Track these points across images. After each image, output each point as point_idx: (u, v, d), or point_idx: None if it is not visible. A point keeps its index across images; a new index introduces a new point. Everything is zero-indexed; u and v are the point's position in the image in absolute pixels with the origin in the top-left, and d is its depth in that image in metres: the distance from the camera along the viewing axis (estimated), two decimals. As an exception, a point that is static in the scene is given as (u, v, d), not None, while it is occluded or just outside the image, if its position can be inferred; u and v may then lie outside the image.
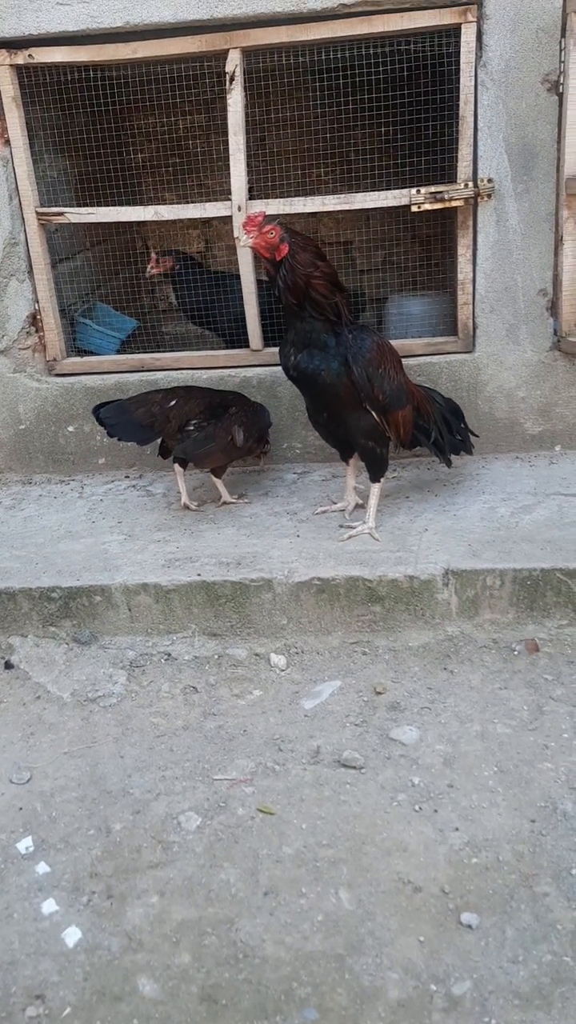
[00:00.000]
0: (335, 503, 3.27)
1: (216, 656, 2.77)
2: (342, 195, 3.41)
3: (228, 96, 3.28)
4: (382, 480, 3.04)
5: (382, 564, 2.80)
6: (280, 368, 2.96)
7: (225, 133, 3.36)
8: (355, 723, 2.44)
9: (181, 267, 4.01)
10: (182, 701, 2.60)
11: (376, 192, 3.37)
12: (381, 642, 2.77)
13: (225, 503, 3.36)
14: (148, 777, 2.31)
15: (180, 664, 2.75)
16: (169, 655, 2.79)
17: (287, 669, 2.70)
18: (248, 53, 3.26)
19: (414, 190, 3.30)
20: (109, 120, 3.94)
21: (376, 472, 3.02)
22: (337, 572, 2.78)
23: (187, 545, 3.06)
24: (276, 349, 3.02)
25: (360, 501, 3.21)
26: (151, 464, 3.74)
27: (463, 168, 3.28)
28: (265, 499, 3.41)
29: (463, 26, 3.12)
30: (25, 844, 2.13)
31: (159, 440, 3.23)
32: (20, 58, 3.28)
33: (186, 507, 3.33)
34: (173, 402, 3.16)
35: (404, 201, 3.32)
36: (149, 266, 3.99)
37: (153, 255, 4.02)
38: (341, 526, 3.10)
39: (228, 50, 3.21)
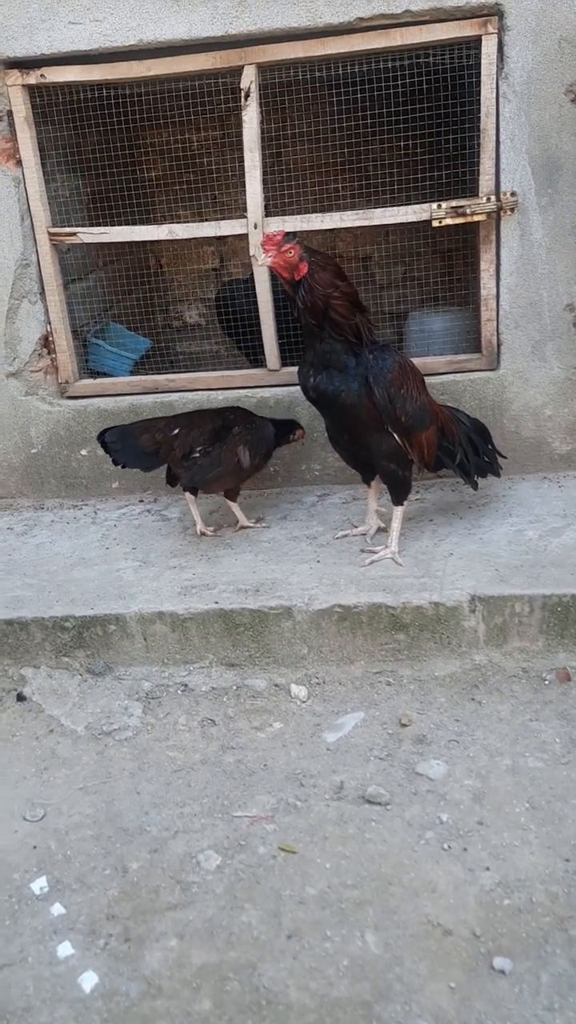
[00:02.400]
0: (356, 527, 3.28)
1: (234, 687, 2.78)
2: (361, 211, 3.46)
3: (243, 112, 3.34)
4: (405, 503, 3.06)
5: (406, 590, 2.81)
6: (298, 388, 2.98)
7: (240, 149, 3.41)
8: (380, 757, 2.43)
9: (229, 293, 4.07)
10: (200, 734, 2.60)
11: (395, 207, 3.40)
12: (406, 672, 2.76)
13: (242, 527, 3.38)
14: (165, 814, 2.31)
15: (197, 695, 2.76)
16: (186, 686, 2.80)
17: (308, 700, 2.71)
18: (263, 69, 3.32)
19: (435, 204, 3.34)
20: (122, 138, 4.01)
21: (399, 495, 3.03)
22: (359, 599, 2.79)
23: (204, 571, 3.07)
24: (294, 368, 3.05)
25: (382, 525, 3.22)
26: (166, 488, 3.76)
27: (485, 182, 3.31)
28: (284, 523, 3.42)
29: (484, 38, 3.17)
30: (40, 884, 2.13)
31: (166, 467, 3.26)
32: (32, 78, 3.36)
33: (202, 534, 3.35)
34: (176, 431, 3.17)
35: (424, 216, 3.35)
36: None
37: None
38: (363, 551, 3.11)
39: (243, 66, 3.27)
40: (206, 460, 3.13)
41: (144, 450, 3.16)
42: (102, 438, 3.23)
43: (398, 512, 3.04)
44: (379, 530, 3.22)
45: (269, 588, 2.91)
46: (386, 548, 3.04)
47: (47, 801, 2.40)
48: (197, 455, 3.14)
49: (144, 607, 2.88)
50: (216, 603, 2.85)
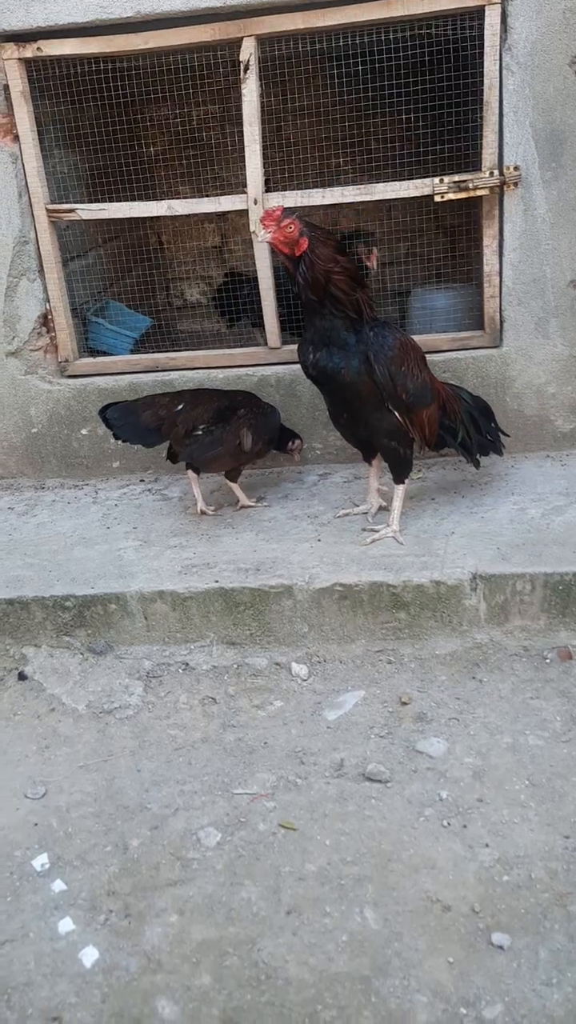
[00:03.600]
0: (357, 506, 3.27)
1: (235, 665, 2.78)
2: (362, 185, 3.42)
3: (243, 86, 3.29)
4: (406, 482, 3.04)
5: (407, 569, 2.80)
6: (299, 366, 2.96)
7: (240, 123, 3.37)
8: (380, 735, 2.44)
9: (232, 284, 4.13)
10: (200, 712, 2.61)
11: (398, 182, 3.37)
12: (406, 650, 2.76)
13: (243, 507, 3.38)
14: (166, 791, 2.32)
15: (198, 674, 2.77)
16: (187, 665, 2.81)
17: (309, 679, 2.71)
18: (263, 41, 3.28)
19: (437, 179, 3.30)
20: (120, 113, 3.97)
21: (400, 473, 3.02)
22: (360, 577, 2.79)
23: (204, 551, 3.07)
24: (295, 346, 3.03)
25: (384, 503, 3.21)
26: (167, 467, 3.76)
27: (488, 156, 3.27)
28: (284, 502, 3.41)
29: (487, 8, 3.12)
30: (41, 861, 2.15)
31: (168, 444, 3.26)
32: (29, 51, 3.32)
33: (202, 513, 3.35)
34: (180, 406, 3.18)
35: (427, 191, 3.32)
36: (368, 262, 4.04)
37: (363, 247, 4.06)
38: (364, 529, 3.10)
39: (242, 38, 3.23)
40: (207, 439, 3.12)
41: (147, 426, 3.16)
42: (104, 414, 3.23)
43: (399, 491, 3.03)
44: (380, 509, 3.21)
45: (270, 567, 2.90)
46: (387, 527, 3.03)
47: (48, 779, 2.41)
48: (200, 433, 3.13)
49: (145, 586, 2.88)
50: (216, 582, 2.85)
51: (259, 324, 3.97)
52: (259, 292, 3.56)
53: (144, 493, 3.64)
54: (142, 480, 3.76)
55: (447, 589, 2.74)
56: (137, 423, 3.17)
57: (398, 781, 2.27)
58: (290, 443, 3.39)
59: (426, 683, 2.62)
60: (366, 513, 3.21)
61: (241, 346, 3.80)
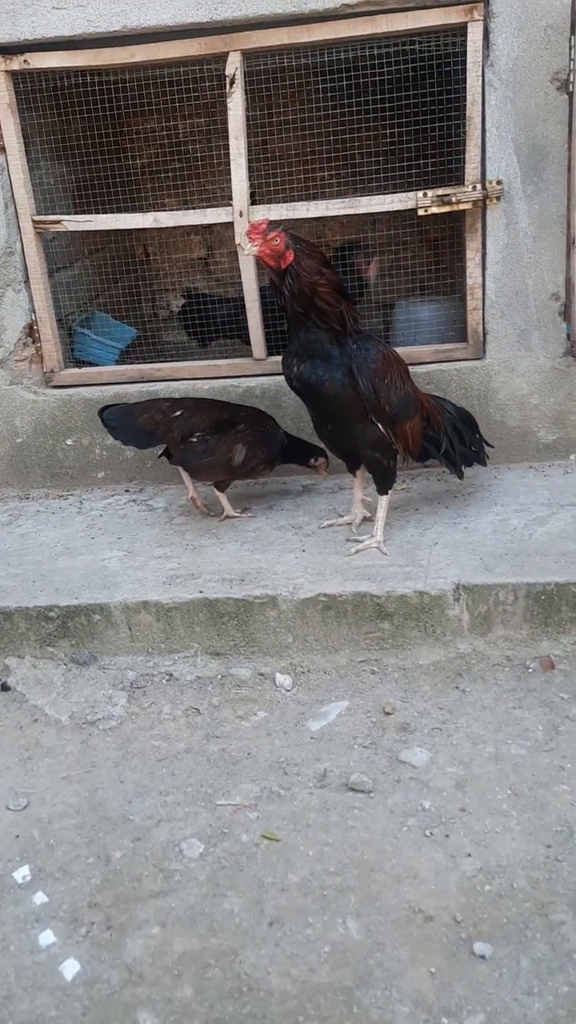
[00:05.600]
0: (342, 516, 3.28)
1: (219, 676, 2.78)
2: (347, 199, 3.45)
3: (228, 100, 3.32)
4: (390, 492, 3.06)
5: (390, 579, 2.81)
6: (283, 378, 2.98)
7: (226, 136, 3.40)
8: (363, 745, 2.44)
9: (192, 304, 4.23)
10: (184, 723, 2.61)
11: (381, 195, 3.39)
12: (390, 660, 2.77)
13: (228, 517, 3.38)
14: (149, 803, 2.31)
15: (182, 685, 2.76)
16: (171, 675, 2.80)
17: (293, 689, 2.71)
18: (248, 55, 3.30)
19: (421, 193, 3.33)
20: (107, 125, 3.98)
21: (384, 484, 3.03)
22: (344, 588, 2.80)
23: (189, 561, 3.07)
24: (280, 358, 3.04)
25: (368, 514, 3.22)
26: (152, 477, 3.77)
27: (471, 170, 3.30)
28: (270, 513, 3.42)
29: (469, 25, 3.15)
30: (22, 873, 2.14)
31: (163, 447, 3.31)
32: (15, 64, 3.33)
33: (192, 500, 3.36)
34: (179, 412, 3.23)
35: (410, 204, 3.34)
36: (367, 273, 4.07)
37: (363, 259, 4.10)
38: (348, 540, 3.11)
39: (228, 53, 3.25)
40: (201, 447, 3.17)
41: (143, 429, 3.22)
42: (102, 415, 3.29)
43: (383, 501, 3.05)
44: (364, 519, 3.22)
45: (254, 577, 2.91)
46: (371, 537, 3.04)
47: (30, 790, 2.40)
48: (195, 440, 3.18)
49: (129, 597, 2.87)
50: (201, 592, 2.85)
51: (235, 337, 4.02)
52: (223, 310, 3.60)
53: (129, 503, 3.64)
54: (127, 490, 3.76)
55: (430, 599, 2.75)
56: (134, 425, 3.23)
57: (381, 791, 2.27)
58: (312, 459, 3.41)
59: (409, 693, 2.63)
60: (350, 524, 3.22)
61: (226, 357, 3.81)
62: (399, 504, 3.34)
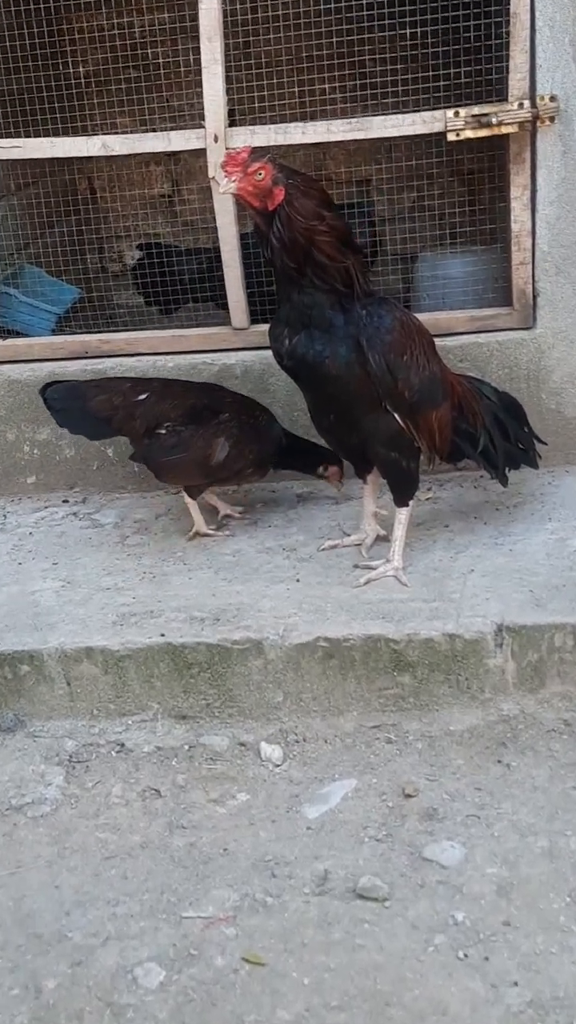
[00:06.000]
0: (348, 535, 3.29)
1: (186, 746, 2.78)
2: (355, 119, 3.49)
3: (200, -9, 3.34)
4: (411, 503, 3.06)
5: (412, 618, 2.82)
6: (271, 353, 2.98)
7: (196, 37, 3.42)
8: (376, 838, 2.43)
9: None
10: (140, 809, 2.60)
11: (400, 114, 3.43)
12: (412, 725, 2.77)
13: (199, 535, 3.39)
14: (93, 915, 2.30)
15: (137, 758, 2.76)
16: (122, 745, 2.80)
17: (283, 764, 2.71)
18: None
19: (451, 112, 3.36)
20: (40, 22, 4.00)
21: (403, 493, 3.04)
22: (351, 630, 2.79)
23: (147, 594, 3.07)
24: (267, 327, 3.05)
25: (382, 532, 3.23)
26: (98, 483, 3.77)
27: (516, 82, 3.33)
28: (254, 530, 3.42)
29: None
30: None
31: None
32: None
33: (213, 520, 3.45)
34: (144, 396, 3.26)
35: (438, 127, 3.37)
36: None
37: None
38: (356, 566, 3.12)
39: None
40: (170, 440, 3.21)
41: (96, 414, 3.26)
42: (44, 393, 3.33)
43: (402, 516, 3.05)
44: (378, 539, 3.23)
45: (233, 616, 2.91)
46: (387, 563, 3.05)
47: None
48: (163, 432, 3.22)
49: (68, 641, 2.87)
50: (163, 635, 2.85)
51: (208, 300, 4.03)
52: (194, 264, 3.62)
53: (68, 518, 3.64)
54: (66, 501, 3.76)
55: (464, 645, 2.75)
56: (85, 408, 3.27)
57: (400, 899, 2.27)
58: (321, 468, 3.42)
59: (437, 769, 2.63)
60: (359, 545, 3.22)
61: (197, 326, 3.83)
62: (423, 519, 3.34)
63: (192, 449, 3.21)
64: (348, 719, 2.81)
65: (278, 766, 2.70)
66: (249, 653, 2.81)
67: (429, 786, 2.57)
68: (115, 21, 4.61)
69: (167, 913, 2.29)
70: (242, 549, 3.31)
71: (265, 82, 4.03)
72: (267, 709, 2.83)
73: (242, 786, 2.64)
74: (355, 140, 3.53)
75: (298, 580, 3.08)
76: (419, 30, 3.88)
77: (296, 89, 4.27)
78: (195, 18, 3.41)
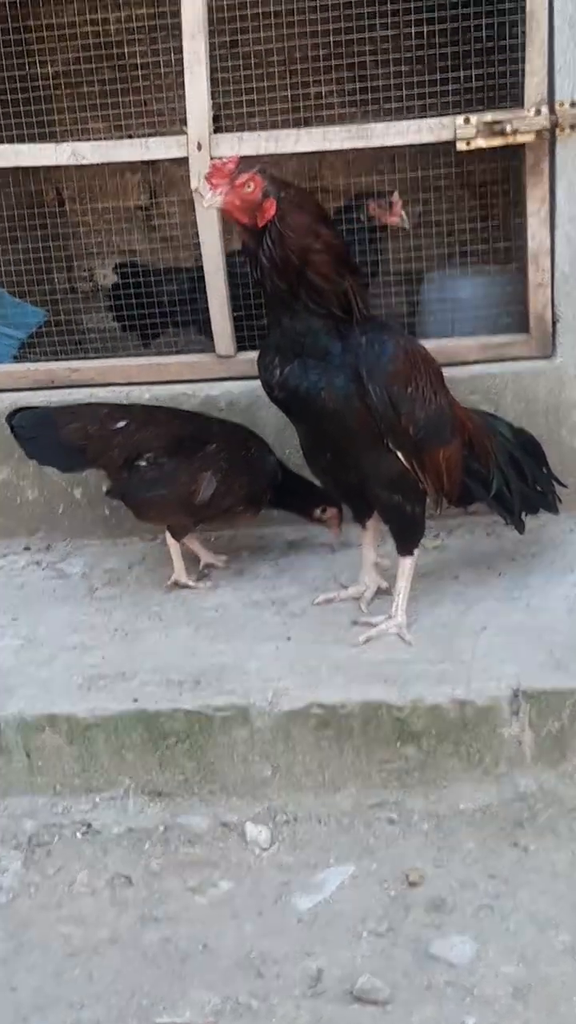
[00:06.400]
0: (346, 587, 3.30)
1: (161, 827, 2.76)
2: (354, 125, 3.53)
3: (182, -18, 3.40)
4: (416, 552, 3.07)
5: (417, 681, 2.82)
6: (259, 383, 3.00)
7: (178, 34, 3.47)
8: (376, 932, 2.42)
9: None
10: (108, 899, 2.58)
11: (405, 121, 3.48)
12: (417, 803, 2.76)
13: (177, 584, 3.40)
14: (54, 1020, 2.28)
15: (105, 840, 2.74)
16: (88, 826, 2.78)
17: (272, 847, 2.69)
18: None
19: (461, 118, 3.40)
20: (3, 19, 4.06)
21: (407, 541, 3.05)
22: (349, 694, 2.79)
23: (118, 654, 3.07)
24: (255, 355, 3.07)
25: (384, 584, 3.24)
26: (64, 529, 3.78)
27: (533, 87, 3.39)
28: (239, 581, 3.44)
29: None
30: None
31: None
32: None
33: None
34: (122, 423, 3.29)
35: (446, 135, 3.42)
36: (388, 218, 4.11)
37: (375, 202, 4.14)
38: (355, 622, 3.13)
39: None
40: (151, 473, 3.24)
41: (68, 443, 3.29)
42: (11, 420, 3.35)
43: (406, 566, 3.06)
44: (379, 592, 3.24)
45: (215, 678, 2.91)
46: (389, 618, 3.05)
47: None
48: (143, 464, 3.25)
49: (28, 707, 2.86)
50: (135, 701, 2.84)
51: (188, 325, 4.06)
52: (175, 286, 3.65)
53: (30, 567, 3.65)
54: (28, 548, 3.77)
55: (476, 712, 2.75)
56: (55, 437, 3.29)
57: (403, 1002, 2.25)
58: (317, 511, 3.44)
59: (445, 853, 2.62)
60: (358, 598, 3.23)
61: (177, 353, 3.86)
62: (430, 569, 3.36)
63: (175, 484, 3.23)
64: (345, 796, 2.80)
65: (265, 850, 2.68)
66: (233, 721, 2.80)
67: (436, 873, 2.56)
68: (87, 16, 4.68)
69: (139, 1019, 2.27)
70: (226, 603, 3.31)
71: (255, 84, 4.07)
72: (253, 785, 2.82)
73: (224, 873, 2.63)
74: (355, 149, 3.56)
75: (289, 638, 3.08)
76: (425, 28, 3.94)
77: (289, 92, 4.32)
78: (177, 13, 3.47)
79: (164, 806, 2.82)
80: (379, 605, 3.19)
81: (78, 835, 2.76)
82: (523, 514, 3.24)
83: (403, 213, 4.03)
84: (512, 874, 2.54)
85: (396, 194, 4.01)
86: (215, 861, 2.66)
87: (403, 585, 3.06)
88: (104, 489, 3.44)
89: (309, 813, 2.77)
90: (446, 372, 3.09)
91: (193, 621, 3.23)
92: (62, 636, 3.20)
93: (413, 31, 4.06)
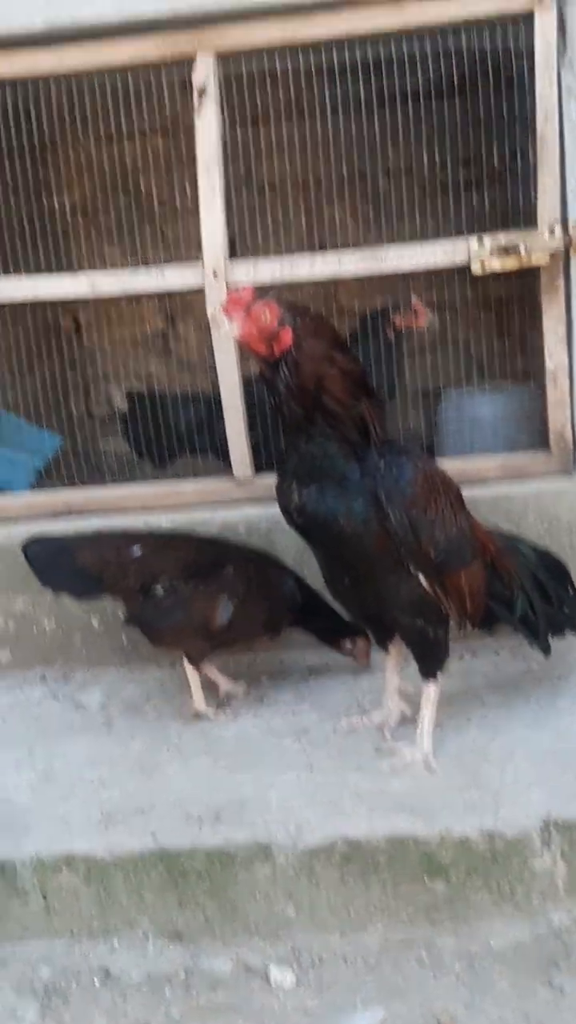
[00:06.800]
0: (369, 713, 3.29)
1: (182, 972, 2.71)
2: (368, 249, 3.62)
3: (197, 117, 3.53)
4: (441, 676, 3.06)
5: (444, 812, 2.78)
6: (278, 507, 3.03)
7: (193, 163, 3.59)
8: None
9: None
10: (128, 1048, 2.53)
11: (419, 244, 3.57)
12: (447, 941, 2.71)
13: (197, 714, 3.40)
14: None
15: (124, 986, 2.69)
16: (107, 972, 2.73)
17: (296, 990, 2.64)
18: (225, 58, 3.53)
19: (474, 241, 3.49)
20: (22, 150, 4.20)
21: (431, 666, 3.04)
22: (374, 827, 2.76)
23: (136, 788, 3.05)
24: (273, 478, 3.10)
25: (408, 710, 3.23)
26: (82, 659, 3.79)
27: (547, 208, 3.48)
28: (259, 708, 3.43)
29: (537, 13, 3.39)
30: None
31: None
32: None
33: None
34: (137, 549, 3.33)
35: (461, 258, 3.51)
36: (410, 323, 4.23)
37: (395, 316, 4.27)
38: (379, 750, 3.10)
39: (197, 54, 3.48)
40: (168, 600, 3.26)
41: (85, 570, 3.32)
42: (26, 549, 3.39)
43: (430, 691, 3.05)
44: (403, 718, 3.22)
45: (235, 813, 2.88)
46: (414, 746, 3.03)
47: None
48: (159, 590, 3.27)
49: (45, 847, 2.83)
50: (154, 837, 2.82)
51: (206, 452, 4.12)
52: (191, 412, 3.71)
53: (47, 699, 3.66)
54: (44, 678, 3.78)
55: (505, 844, 2.71)
56: (72, 565, 3.33)
57: None
58: (345, 642, 3.47)
59: (477, 993, 2.56)
60: (382, 725, 3.22)
61: (195, 478, 3.91)
62: (455, 693, 3.35)
63: (192, 610, 3.26)
64: (372, 934, 2.75)
65: (290, 992, 2.63)
66: (255, 858, 2.77)
67: (468, 1015, 2.50)
68: (104, 148, 4.85)
69: None
70: (246, 731, 3.30)
71: (269, 209, 4.20)
72: (277, 924, 2.77)
73: (248, 1019, 2.57)
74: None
75: (311, 768, 3.06)
76: (436, 149, 4.06)
77: (303, 218, 4.44)
78: (192, 145, 3.59)
79: (184, 948, 2.77)
80: (403, 732, 3.17)
81: (96, 981, 2.71)
82: (549, 636, 3.24)
83: (428, 312, 4.13)
84: (547, 1015, 2.48)
85: (415, 298, 4.11)
86: (238, 1007, 2.60)
87: (428, 712, 3.05)
88: (122, 617, 3.45)
89: (335, 953, 2.72)
90: (466, 491, 3.11)
91: (212, 751, 3.21)
92: (79, 770, 3.19)
93: (426, 156, 4.19)
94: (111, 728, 3.42)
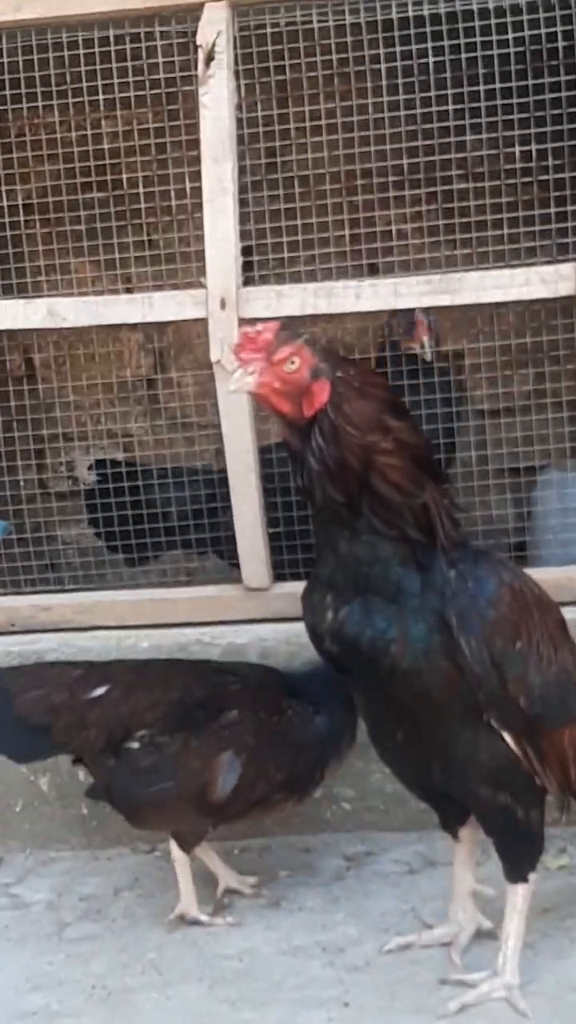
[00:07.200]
0: (430, 926, 3.27)
1: None
2: (437, 273, 3.62)
3: (200, 90, 3.57)
4: (533, 877, 3.04)
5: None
6: (304, 627, 3.02)
7: (197, 149, 3.63)
8: None
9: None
10: None
11: (507, 269, 3.57)
12: None
13: (183, 918, 3.38)
14: None
15: None
16: None
17: None
18: (242, 8, 3.58)
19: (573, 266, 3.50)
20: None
21: (519, 860, 3.02)
22: None
23: (97, 1024, 3.04)
24: (298, 589, 3.10)
25: (486, 924, 3.21)
26: (24, 836, 3.77)
27: None
28: (274, 914, 3.42)
29: None
30: None
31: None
32: None
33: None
34: (102, 689, 3.31)
35: (565, 288, 3.50)
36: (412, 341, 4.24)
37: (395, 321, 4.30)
38: (444, 981, 3.07)
39: (203, 4, 3.54)
40: (148, 760, 3.25)
41: (26, 719, 3.28)
42: None
43: (519, 898, 3.02)
44: (478, 934, 3.20)
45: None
46: (493, 976, 3.00)
47: None
48: (136, 746, 3.26)
49: None
50: None
51: (206, 547, 4.12)
52: (184, 490, 3.74)
53: (-24, 892, 3.64)
54: (-26, 865, 3.77)
55: None
56: (8, 712, 3.29)
57: None
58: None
59: None
60: (448, 943, 3.19)
61: (189, 585, 3.90)
62: (554, 901, 3.35)
63: (183, 774, 3.24)
64: None
65: None
66: None
67: None
68: (71, 121, 4.81)
69: None
70: (255, 947, 3.27)
71: (299, 214, 4.21)
72: None
73: None
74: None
75: (347, 1004, 3.03)
76: (535, 145, 4.08)
77: (346, 227, 4.41)
78: (194, 125, 3.63)
79: None
80: (479, 955, 3.14)
81: None
82: None
83: (424, 338, 4.10)
84: None
85: (418, 311, 4.06)
86: None
87: (515, 927, 3.01)
88: (83, 780, 3.43)
89: None
90: (571, 616, 3.11)
91: (207, 976, 3.18)
92: (16, 998, 3.15)
93: (519, 145, 4.20)
94: (62, 937, 3.40)
